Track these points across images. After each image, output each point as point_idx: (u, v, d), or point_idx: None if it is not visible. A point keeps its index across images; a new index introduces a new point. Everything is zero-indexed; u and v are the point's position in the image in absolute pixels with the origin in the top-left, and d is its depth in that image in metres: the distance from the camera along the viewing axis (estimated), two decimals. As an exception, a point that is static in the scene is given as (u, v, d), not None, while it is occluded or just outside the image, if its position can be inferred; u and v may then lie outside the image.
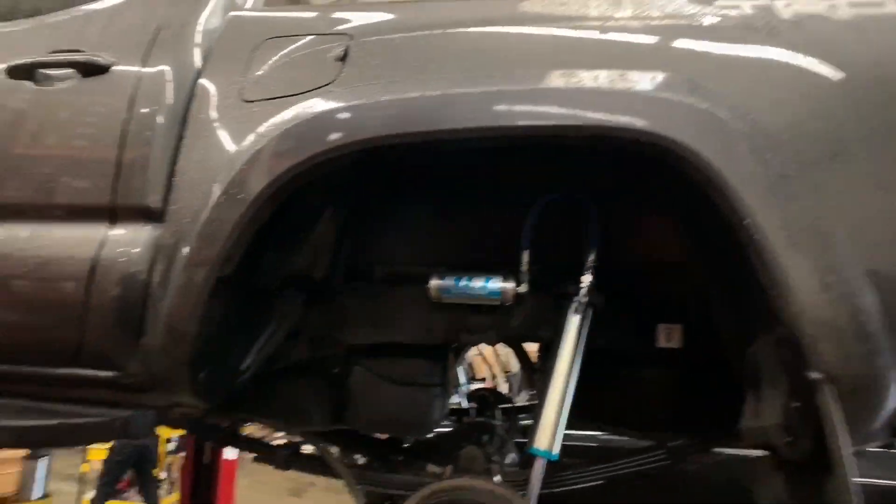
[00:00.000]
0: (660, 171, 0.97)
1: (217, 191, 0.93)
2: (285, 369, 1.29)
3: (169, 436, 5.52)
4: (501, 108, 0.89)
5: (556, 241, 1.18)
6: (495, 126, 0.87)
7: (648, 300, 1.22)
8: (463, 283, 1.15)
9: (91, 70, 1.12)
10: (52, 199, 1.06)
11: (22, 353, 1.02)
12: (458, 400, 1.82)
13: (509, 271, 1.14)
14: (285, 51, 1.06)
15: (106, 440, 0.91)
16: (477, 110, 0.89)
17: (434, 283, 1.15)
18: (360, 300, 1.26)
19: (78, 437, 1.00)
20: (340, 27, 1.08)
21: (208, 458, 3.53)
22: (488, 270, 1.16)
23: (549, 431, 1.02)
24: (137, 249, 1.00)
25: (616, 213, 1.16)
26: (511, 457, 1.49)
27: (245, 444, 1.49)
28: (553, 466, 1.09)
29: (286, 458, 1.37)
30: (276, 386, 1.32)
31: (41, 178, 1.07)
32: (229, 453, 3.58)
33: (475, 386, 2.51)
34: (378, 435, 1.65)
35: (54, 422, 0.96)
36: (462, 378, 2.30)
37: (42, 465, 2.03)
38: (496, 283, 1.13)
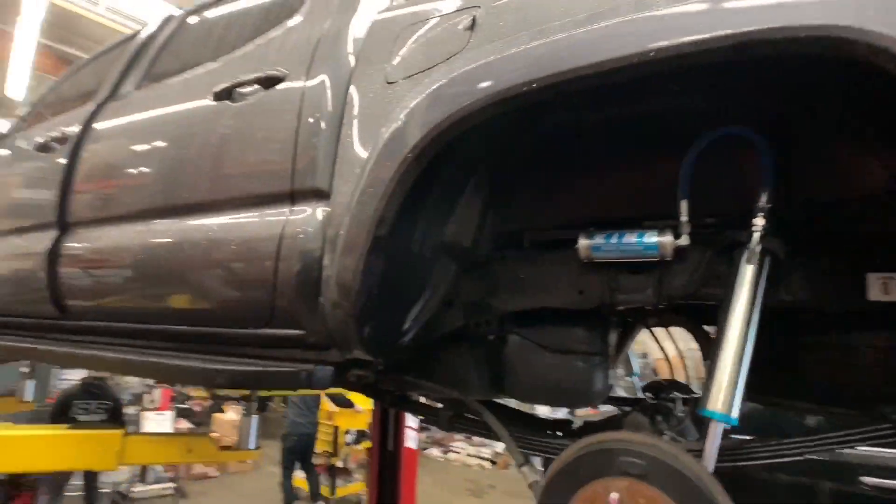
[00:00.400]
0: (849, 82, 0.81)
1: (370, 162, 1.04)
2: (445, 337, 1.35)
3: (347, 428, 6.18)
4: (635, 35, 0.82)
5: (719, 186, 1.06)
6: (636, 53, 0.81)
7: (850, 246, 1.02)
8: (614, 239, 1.09)
9: (270, 82, 1.33)
10: (249, 190, 1.28)
11: (230, 318, 1.25)
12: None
13: (666, 225, 1.05)
14: (420, 32, 1.14)
15: (294, 388, 1.08)
16: (618, 40, 0.83)
17: (583, 242, 1.11)
18: (510, 267, 1.27)
19: (274, 383, 1.17)
20: (469, 2, 1.11)
21: (392, 446, 3.85)
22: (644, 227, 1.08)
23: (725, 392, 0.90)
24: (311, 228, 1.15)
25: (794, 145, 1.00)
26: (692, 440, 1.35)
27: (412, 406, 1.60)
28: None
29: (449, 420, 1.43)
30: (438, 354, 1.39)
31: (242, 174, 1.30)
32: (410, 442, 3.85)
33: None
34: (547, 417, 1.64)
35: (257, 368, 1.15)
36: (635, 367, 2.16)
37: (254, 421, 2.48)
38: (651, 237, 1.05)
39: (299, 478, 6.21)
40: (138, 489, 6.23)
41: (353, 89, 1.21)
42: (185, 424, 8.00)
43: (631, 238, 1.07)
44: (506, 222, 1.28)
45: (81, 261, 1.61)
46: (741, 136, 0.99)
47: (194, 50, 1.82)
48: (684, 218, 1.03)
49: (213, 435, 7.79)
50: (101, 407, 4.71)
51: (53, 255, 1.66)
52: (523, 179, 1.25)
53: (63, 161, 1.75)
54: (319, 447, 6.20)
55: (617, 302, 1.15)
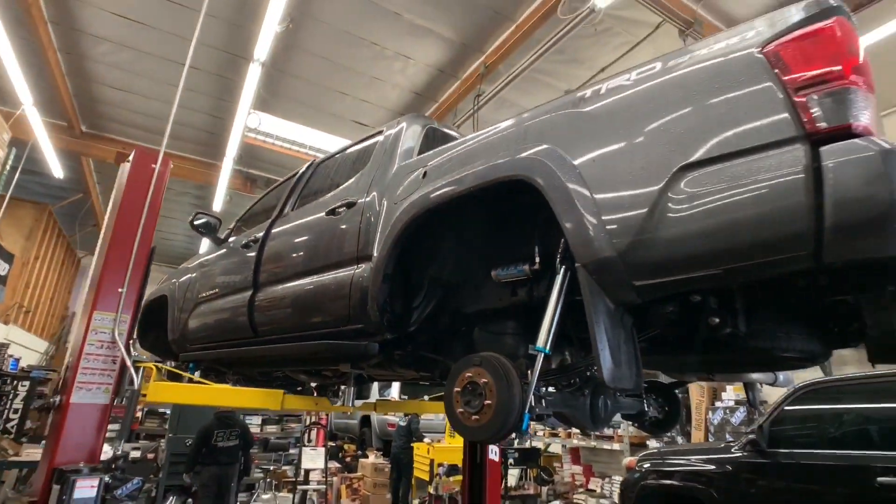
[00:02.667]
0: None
1: (383, 240, 2.23)
2: (445, 331, 2.43)
3: (441, 462, 7.36)
4: (480, 170, 1.92)
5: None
6: (483, 179, 1.90)
7: None
8: (505, 269, 2.11)
9: (351, 204, 2.63)
10: (340, 258, 2.53)
11: (325, 322, 2.48)
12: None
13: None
14: (410, 177, 2.35)
15: (359, 356, 2.11)
16: (452, 187, 1.96)
17: (493, 272, 2.15)
18: (468, 289, 2.34)
19: (350, 351, 2.33)
20: (429, 163, 2.30)
21: (479, 458, 4.75)
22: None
23: (544, 337, 1.84)
24: (366, 274, 2.35)
25: None
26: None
27: (427, 370, 2.67)
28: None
29: (441, 373, 2.47)
30: (443, 341, 2.47)
31: (337, 251, 2.57)
32: (492, 455, 4.73)
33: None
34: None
35: (341, 343, 2.35)
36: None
37: (352, 390, 3.54)
38: (520, 266, 2.06)
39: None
40: (299, 509, 7.72)
41: (385, 204, 2.44)
42: (335, 464, 9.53)
43: (511, 267, 2.09)
44: (467, 265, 2.36)
45: (265, 304, 3.01)
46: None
47: (321, 183, 3.24)
48: (536, 255, 2.03)
49: (359, 474, 9.20)
50: (233, 434, 6.25)
51: (251, 302, 3.10)
52: (475, 243, 2.34)
53: (255, 252, 3.24)
54: (419, 474, 7.69)
55: (514, 302, 2.15)
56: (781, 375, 2.68)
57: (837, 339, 2.00)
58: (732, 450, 4.02)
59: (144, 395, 2.67)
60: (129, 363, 2.69)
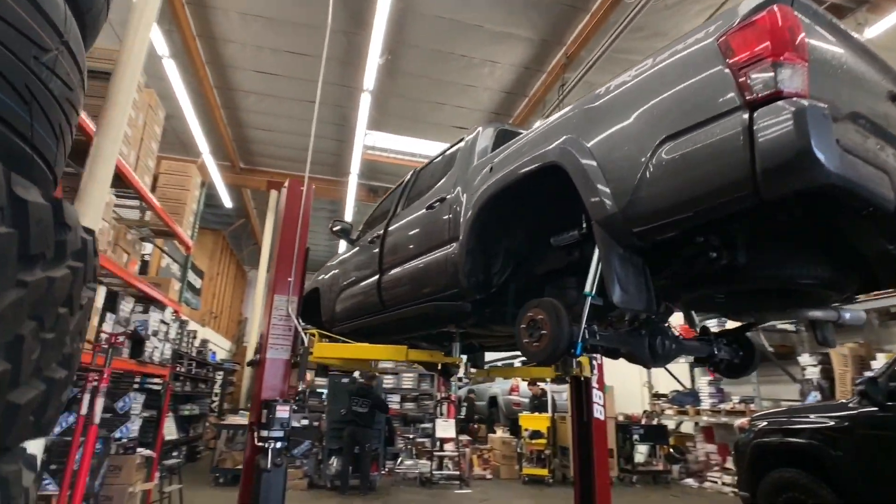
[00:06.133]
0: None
1: (465, 221, 2.94)
2: (523, 289, 3.07)
3: (527, 427, 8.11)
4: (524, 160, 2.55)
5: None
6: (527, 168, 2.53)
7: None
8: (560, 236, 2.68)
9: (443, 199, 3.37)
10: (439, 241, 3.29)
11: (432, 291, 3.24)
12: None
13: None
14: (481, 172, 3.02)
15: (461, 315, 3.02)
16: (509, 172, 2.58)
17: (553, 239, 2.73)
18: (535, 255, 2.95)
19: (453, 311, 3.07)
20: (494, 160, 2.95)
21: (585, 418, 5.24)
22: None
23: (591, 283, 2.38)
24: (456, 251, 3.07)
25: None
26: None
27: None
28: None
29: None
30: (523, 298, 3.10)
31: (437, 235, 3.33)
32: (598, 414, 5.19)
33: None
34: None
35: (445, 304, 3.10)
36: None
37: (457, 345, 4.29)
38: (571, 232, 2.61)
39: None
40: (437, 474, 8.73)
41: (465, 196, 3.14)
42: (466, 438, 10.48)
43: (565, 234, 2.65)
44: (532, 236, 2.97)
45: (388, 283, 3.88)
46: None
47: (422, 185, 4.05)
48: (583, 221, 2.57)
49: (487, 447, 10.04)
50: (365, 403, 7.63)
51: (379, 283, 3.99)
52: (536, 218, 2.93)
53: (378, 246, 4.14)
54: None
55: (571, 261, 2.71)
56: (847, 313, 2.80)
57: (859, 276, 2.27)
58: (849, 405, 4.03)
59: (312, 353, 3.69)
60: (300, 330, 3.73)
